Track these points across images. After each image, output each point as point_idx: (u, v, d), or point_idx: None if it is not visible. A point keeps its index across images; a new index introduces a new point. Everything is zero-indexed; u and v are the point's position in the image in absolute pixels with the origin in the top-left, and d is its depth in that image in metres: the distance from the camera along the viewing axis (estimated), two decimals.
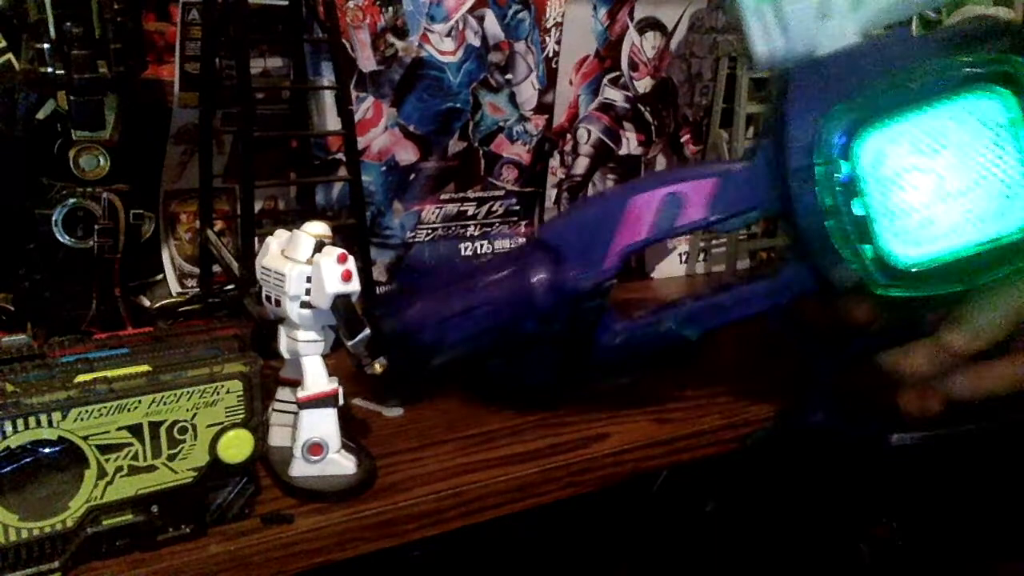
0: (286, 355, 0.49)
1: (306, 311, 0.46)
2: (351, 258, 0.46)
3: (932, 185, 0.43)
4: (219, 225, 0.72)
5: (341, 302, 0.46)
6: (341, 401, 0.48)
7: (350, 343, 0.46)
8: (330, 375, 0.48)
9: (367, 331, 0.46)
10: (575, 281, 0.50)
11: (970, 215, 0.43)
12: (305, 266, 0.46)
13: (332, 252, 0.46)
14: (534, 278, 0.51)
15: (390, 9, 0.75)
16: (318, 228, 0.48)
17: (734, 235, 0.91)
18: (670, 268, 0.95)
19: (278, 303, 0.47)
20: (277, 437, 0.50)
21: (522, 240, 0.86)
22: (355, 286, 0.46)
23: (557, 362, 0.54)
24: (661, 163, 0.94)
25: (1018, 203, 0.43)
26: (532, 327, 0.52)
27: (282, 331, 0.48)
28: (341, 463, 0.48)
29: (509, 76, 0.82)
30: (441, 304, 0.53)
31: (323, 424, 0.47)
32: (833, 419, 0.53)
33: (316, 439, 0.47)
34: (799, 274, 0.48)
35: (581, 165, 0.90)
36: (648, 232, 0.49)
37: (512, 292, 0.52)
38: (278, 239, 0.49)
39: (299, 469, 0.47)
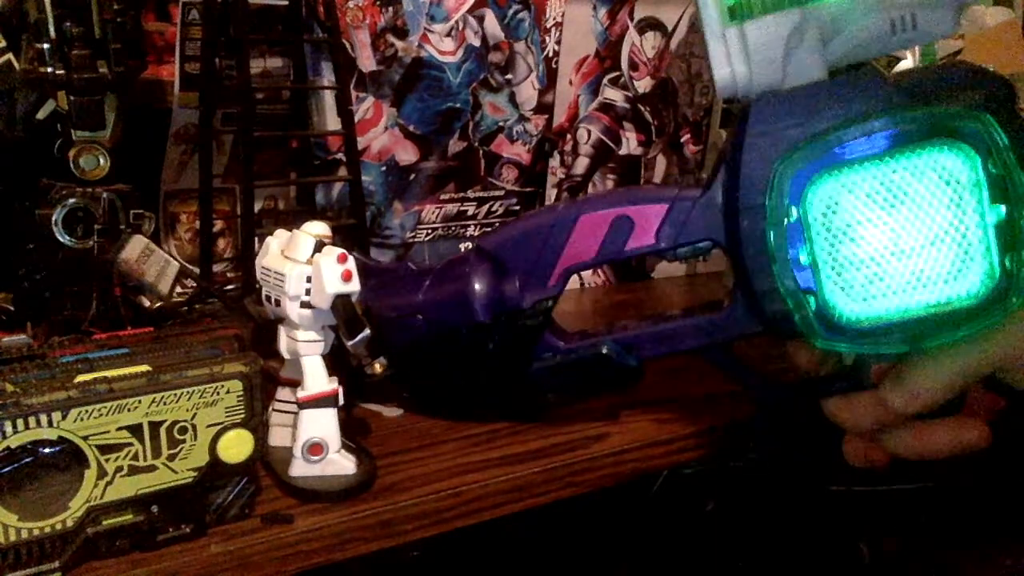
0: (286, 355, 0.49)
1: (306, 311, 0.46)
2: (351, 258, 0.46)
3: (885, 240, 0.41)
4: (219, 225, 0.72)
5: (341, 302, 0.46)
6: (341, 401, 0.48)
7: (350, 343, 0.46)
8: (330, 375, 0.48)
9: (367, 331, 0.46)
10: (517, 297, 0.50)
11: (922, 275, 0.41)
12: (305, 266, 0.46)
13: (332, 252, 0.46)
14: (475, 289, 0.51)
15: (390, 9, 0.75)
16: (318, 228, 0.48)
17: None
18: (671, 267, 0.95)
19: (278, 303, 0.47)
20: (277, 437, 0.50)
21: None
22: (355, 286, 0.46)
23: (495, 376, 0.53)
24: (661, 163, 0.94)
25: (973, 267, 0.40)
26: (470, 339, 0.51)
27: (282, 331, 0.48)
28: (341, 463, 0.48)
29: (509, 76, 0.82)
30: (381, 306, 0.52)
31: (323, 424, 0.47)
32: (770, 460, 0.52)
33: (316, 439, 0.47)
34: (744, 314, 0.46)
35: (581, 165, 0.90)
36: (595, 254, 0.48)
37: (452, 302, 0.51)
38: (278, 239, 0.49)
39: (299, 469, 0.47)
